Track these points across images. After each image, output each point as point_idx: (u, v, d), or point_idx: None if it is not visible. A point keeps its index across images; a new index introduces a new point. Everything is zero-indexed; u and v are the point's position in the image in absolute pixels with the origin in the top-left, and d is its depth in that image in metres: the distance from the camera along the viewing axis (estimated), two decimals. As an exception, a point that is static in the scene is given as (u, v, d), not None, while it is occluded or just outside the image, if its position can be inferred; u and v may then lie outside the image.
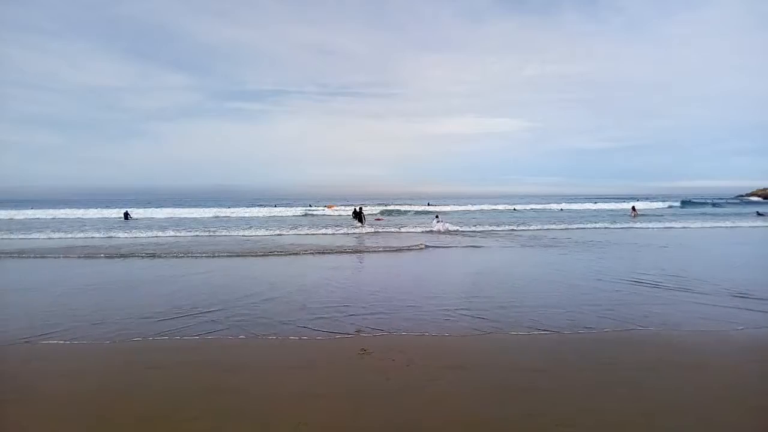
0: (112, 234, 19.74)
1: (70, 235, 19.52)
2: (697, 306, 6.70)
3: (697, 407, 3.48)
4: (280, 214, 36.93)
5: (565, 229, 21.68)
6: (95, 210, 38.44)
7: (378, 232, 20.42)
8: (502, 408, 3.48)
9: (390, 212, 39.48)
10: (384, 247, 14.43)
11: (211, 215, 35.10)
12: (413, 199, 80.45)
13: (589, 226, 23.07)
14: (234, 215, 35.56)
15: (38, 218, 32.58)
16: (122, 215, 32.94)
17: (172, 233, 20.05)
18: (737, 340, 5.16)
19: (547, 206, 47.72)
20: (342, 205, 47.05)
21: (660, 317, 6.06)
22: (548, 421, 3.25)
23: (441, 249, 14.27)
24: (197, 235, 19.38)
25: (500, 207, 46.23)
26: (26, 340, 5.35)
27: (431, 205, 54.78)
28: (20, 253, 13.41)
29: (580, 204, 53.27)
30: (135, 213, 35.00)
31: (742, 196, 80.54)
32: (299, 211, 40.05)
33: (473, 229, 21.50)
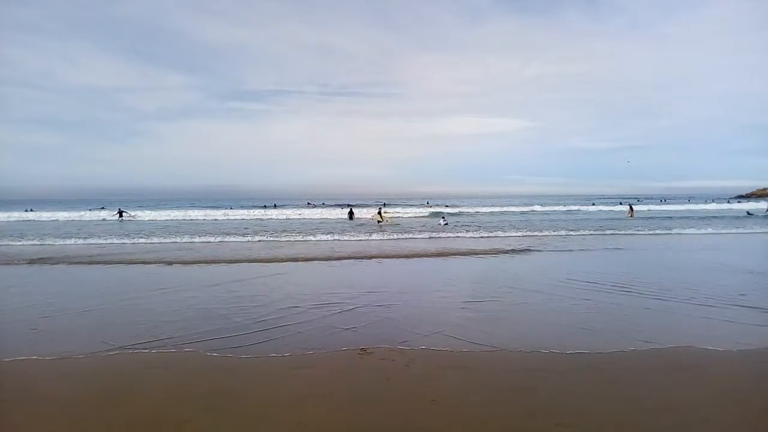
0: (137, 241, 19.64)
1: (76, 241, 19.45)
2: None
3: (696, 407, 3.48)
4: (296, 217, 34.15)
5: (628, 234, 19.15)
6: (93, 212, 37.98)
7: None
8: (502, 408, 3.48)
9: (440, 214, 36.59)
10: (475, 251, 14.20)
11: (222, 217, 33.27)
12: (412, 199, 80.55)
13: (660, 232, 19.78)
14: (239, 217, 33.78)
15: (35, 220, 32.24)
16: (117, 215, 32.40)
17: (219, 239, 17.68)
18: (737, 342, 5.16)
19: (569, 207, 45.52)
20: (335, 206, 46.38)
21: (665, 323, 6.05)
22: (548, 421, 3.25)
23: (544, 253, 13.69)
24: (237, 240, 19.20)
25: (513, 209, 43.60)
26: (31, 341, 5.35)
27: (430, 205, 54.87)
28: (44, 261, 13.37)
29: (590, 206, 50.55)
30: (139, 215, 34.58)
31: (742, 196, 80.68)
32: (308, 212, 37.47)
33: (512, 235, 18.89)
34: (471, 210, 42.37)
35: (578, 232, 19.60)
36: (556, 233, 19.24)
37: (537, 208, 45.42)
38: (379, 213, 27.62)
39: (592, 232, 19.89)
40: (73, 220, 31.28)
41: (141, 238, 18.23)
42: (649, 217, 31.02)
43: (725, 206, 46.01)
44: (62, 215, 34.48)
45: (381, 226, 24.08)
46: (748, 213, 33.68)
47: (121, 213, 32.56)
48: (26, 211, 42.06)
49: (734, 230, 20.04)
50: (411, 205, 52.37)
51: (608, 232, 19.95)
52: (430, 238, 17.98)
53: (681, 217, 30.74)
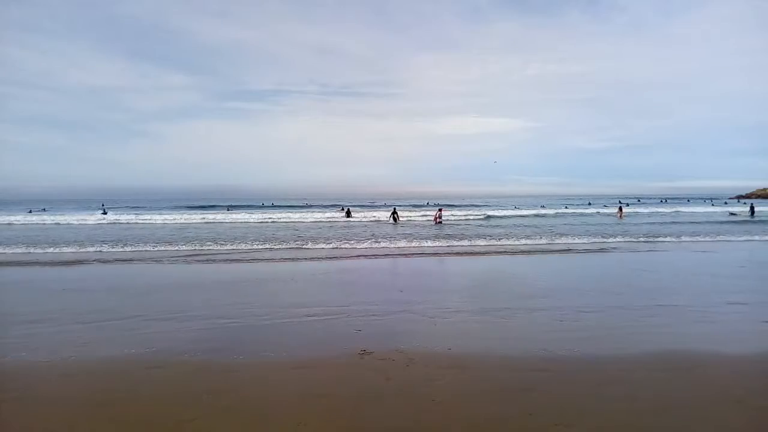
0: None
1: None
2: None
3: (696, 407, 3.48)
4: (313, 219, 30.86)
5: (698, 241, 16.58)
6: (95, 215, 37.17)
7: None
8: (502, 408, 3.48)
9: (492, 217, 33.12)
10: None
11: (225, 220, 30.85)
12: (411, 198, 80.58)
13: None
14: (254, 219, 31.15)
15: (36, 223, 31.58)
16: (102, 212, 34.09)
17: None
18: (735, 341, 5.16)
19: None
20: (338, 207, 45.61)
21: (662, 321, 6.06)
22: (548, 421, 3.25)
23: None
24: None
25: (525, 212, 39.05)
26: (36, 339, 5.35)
27: (430, 205, 55.27)
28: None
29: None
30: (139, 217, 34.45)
31: (742, 196, 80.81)
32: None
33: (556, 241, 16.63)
34: (479, 213, 37.64)
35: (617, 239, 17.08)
36: (595, 240, 16.87)
37: (548, 210, 41.68)
38: (394, 213, 28.74)
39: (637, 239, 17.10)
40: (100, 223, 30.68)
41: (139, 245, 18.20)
42: (643, 223, 27.63)
43: (719, 209, 43.98)
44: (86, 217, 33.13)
45: (395, 226, 25.26)
46: (731, 214, 33.87)
47: (105, 211, 33.90)
48: (30, 212, 41.89)
49: (721, 238, 17.56)
50: (418, 206, 52.30)
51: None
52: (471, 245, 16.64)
53: (661, 223, 27.28)
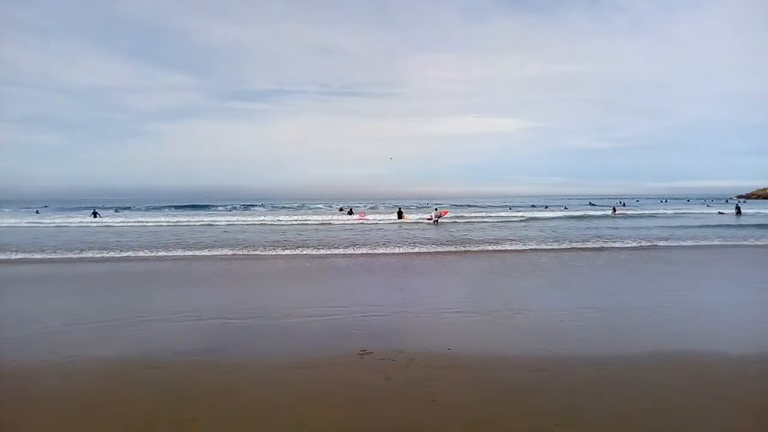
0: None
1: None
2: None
3: (695, 407, 3.48)
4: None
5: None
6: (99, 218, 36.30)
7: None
8: (502, 408, 3.48)
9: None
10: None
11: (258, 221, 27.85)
12: (411, 199, 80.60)
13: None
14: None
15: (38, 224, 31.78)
16: (92, 215, 33.19)
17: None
18: (735, 341, 5.16)
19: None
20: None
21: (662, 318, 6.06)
22: (548, 421, 3.25)
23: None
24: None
25: (540, 214, 35.30)
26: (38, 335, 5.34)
27: (429, 205, 55.62)
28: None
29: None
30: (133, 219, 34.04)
31: (742, 196, 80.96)
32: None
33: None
34: (480, 214, 35.02)
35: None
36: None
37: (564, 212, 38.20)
38: (399, 213, 30.62)
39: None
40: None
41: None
42: (633, 227, 24.77)
43: (714, 210, 42.49)
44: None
45: (400, 225, 26.14)
46: (720, 213, 34.67)
47: (95, 213, 33.24)
48: (37, 212, 41.92)
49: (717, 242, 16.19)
50: (417, 206, 52.78)
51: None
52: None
53: (650, 227, 24.36)
